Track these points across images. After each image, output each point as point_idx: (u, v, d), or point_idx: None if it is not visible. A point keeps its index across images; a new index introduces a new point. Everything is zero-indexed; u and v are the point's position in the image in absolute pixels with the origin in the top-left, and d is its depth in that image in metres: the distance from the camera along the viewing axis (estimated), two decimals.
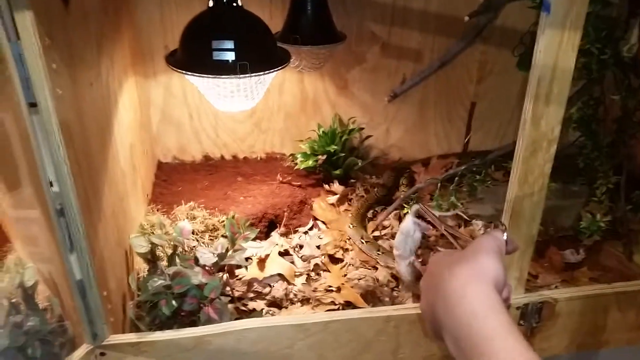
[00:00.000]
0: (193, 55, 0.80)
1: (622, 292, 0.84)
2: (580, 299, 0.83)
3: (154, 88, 1.15)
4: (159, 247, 0.87)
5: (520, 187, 0.71)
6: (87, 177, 0.68)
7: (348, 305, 0.88)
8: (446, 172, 1.24)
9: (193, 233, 0.98)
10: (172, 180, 1.16)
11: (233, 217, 0.98)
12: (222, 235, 0.98)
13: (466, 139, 1.35)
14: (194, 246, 0.90)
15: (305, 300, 0.90)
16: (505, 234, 0.57)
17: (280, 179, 1.16)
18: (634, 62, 0.98)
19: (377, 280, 0.95)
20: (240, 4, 0.80)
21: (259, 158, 1.26)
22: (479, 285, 0.49)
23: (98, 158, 0.75)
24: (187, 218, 1.01)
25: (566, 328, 0.85)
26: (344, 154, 1.16)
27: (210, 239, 0.99)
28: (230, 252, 0.86)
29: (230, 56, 0.80)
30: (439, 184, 1.12)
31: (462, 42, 1.20)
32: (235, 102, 0.89)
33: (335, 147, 1.14)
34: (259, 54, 0.82)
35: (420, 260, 0.78)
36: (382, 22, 1.16)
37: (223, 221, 1.01)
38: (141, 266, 0.87)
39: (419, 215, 0.74)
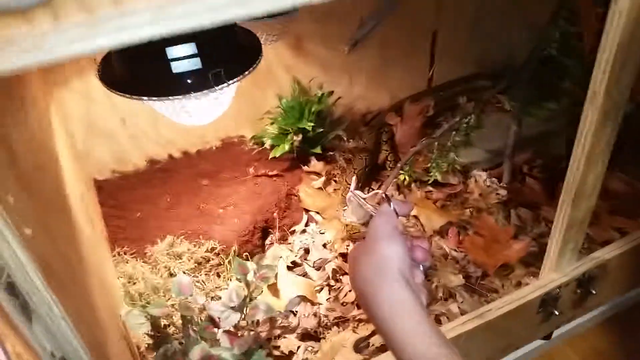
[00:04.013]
0: (146, 72, 0.59)
1: None
2: (628, 252, 0.80)
3: (68, 99, 0.88)
4: (161, 317, 0.69)
5: (586, 161, 0.62)
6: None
7: None
8: (425, 118, 1.14)
9: (184, 274, 0.81)
10: (123, 202, 0.94)
11: (236, 253, 0.81)
12: (236, 279, 0.80)
13: (430, 72, 1.23)
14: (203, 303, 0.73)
15: (342, 322, 0.79)
16: (391, 204, 0.56)
17: (253, 172, 0.99)
18: None
19: None
20: None
21: (214, 148, 1.06)
22: (383, 285, 0.51)
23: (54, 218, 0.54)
24: (169, 257, 0.82)
25: (616, 279, 0.82)
26: (323, 129, 0.99)
27: (206, 275, 0.82)
28: (251, 302, 0.71)
29: (195, 63, 0.59)
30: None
31: None
32: (208, 113, 0.70)
33: (311, 123, 0.97)
34: (226, 49, 0.62)
35: None
36: None
37: (214, 248, 0.83)
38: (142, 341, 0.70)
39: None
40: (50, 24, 0.29)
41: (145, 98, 0.59)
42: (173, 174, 1.00)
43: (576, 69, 1.02)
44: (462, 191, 0.99)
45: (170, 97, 0.60)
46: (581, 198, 0.65)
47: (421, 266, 0.55)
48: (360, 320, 0.79)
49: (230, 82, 0.59)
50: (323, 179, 1.00)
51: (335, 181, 1.02)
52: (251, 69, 0.62)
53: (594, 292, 0.76)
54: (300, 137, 0.97)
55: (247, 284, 0.71)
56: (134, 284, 0.78)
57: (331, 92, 1.05)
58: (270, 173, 0.99)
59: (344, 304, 0.82)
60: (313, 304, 0.82)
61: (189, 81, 0.61)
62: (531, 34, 1.11)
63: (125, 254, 0.84)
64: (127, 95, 0.59)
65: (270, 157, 0.99)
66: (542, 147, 1.08)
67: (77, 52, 0.30)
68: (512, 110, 1.04)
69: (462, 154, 1.04)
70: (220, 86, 0.59)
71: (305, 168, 1.02)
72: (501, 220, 0.94)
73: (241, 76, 0.60)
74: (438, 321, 0.78)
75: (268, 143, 1.00)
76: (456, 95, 1.19)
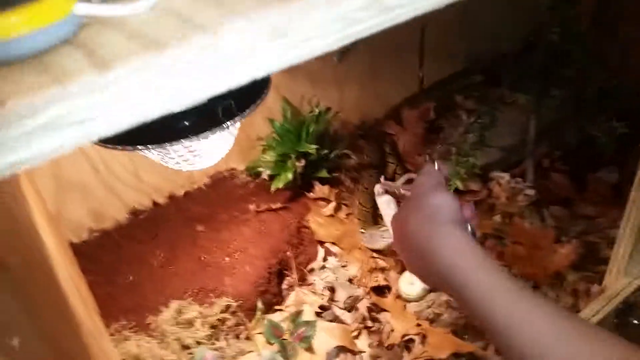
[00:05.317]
0: None
1: None
2: None
3: None
4: None
5: None
6: None
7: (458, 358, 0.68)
8: (427, 123, 1.05)
9: (199, 344, 0.68)
10: (109, 266, 0.80)
11: (262, 313, 0.69)
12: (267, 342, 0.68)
13: (421, 75, 1.15)
14: None
15: None
16: (436, 165, 0.54)
17: (255, 208, 0.87)
18: None
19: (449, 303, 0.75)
20: None
21: (203, 186, 0.93)
22: (439, 230, 0.48)
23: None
24: (178, 325, 0.69)
25: None
26: (326, 150, 0.89)
27: (225, 339, 0.70)
28: None
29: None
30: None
31: None
32: (212, 155, 0.58)
33: (313, 145, 0.86)
34: None
35: None
36: None
37: (229, 306, 0.71)
38: None
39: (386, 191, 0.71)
40: None
41: (140, 147, 0.47)
42: (162, 222, 0.87)
43: (578, 54, 0.96)
44: (486, 197, 0.90)
45: (173, 143, 0.48)
46: None
47: (469, 226, 0.50)
48: None
49: (244, 113, 0.48)
50: (333, 204, 0.89)
51: (345, 205, 0.91)
52: (263, 95, 0.51)
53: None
54: (303, 162, 0.86)
55: (284, 348, 0.59)
56: None
57: (328, 109, 0.94)
58: (274, 206, 0.87)
59: (389, 347, 0.71)
60: (354, 353, 0.70)
61: (186, 122, 0.50)
62: (520, 20, 1.04)
63: (123, 328, 0.70)
64: (119, 147, 0.46)
65: (272, 188, 0.87)
66: (554, 138, 1.01)
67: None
68: (526, 102, 0.96)
69: (477, 156, 0.95)
70: (231, 121, 0.48)
71: (310, 195, 0.91)
72: (536, 223, 0.86)
73: (257, 103, 0.49)
74: None
75: (266, 173, 0.88)
76: (451, 93, 1.11)
